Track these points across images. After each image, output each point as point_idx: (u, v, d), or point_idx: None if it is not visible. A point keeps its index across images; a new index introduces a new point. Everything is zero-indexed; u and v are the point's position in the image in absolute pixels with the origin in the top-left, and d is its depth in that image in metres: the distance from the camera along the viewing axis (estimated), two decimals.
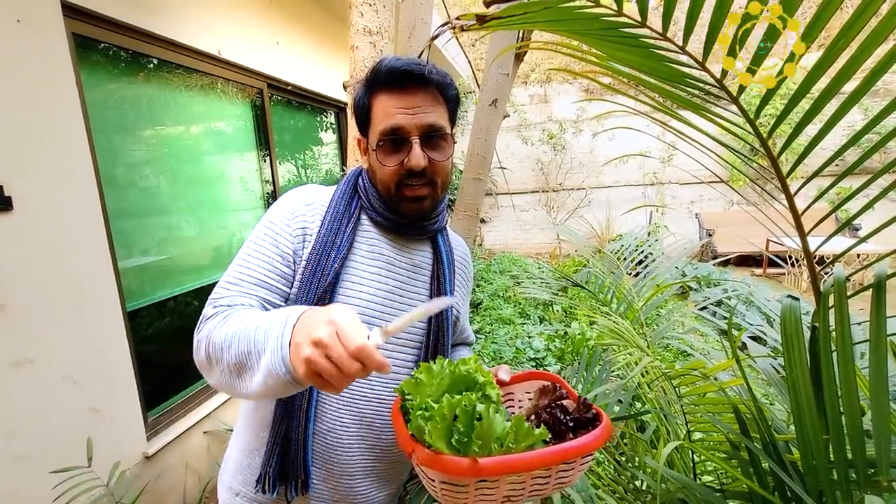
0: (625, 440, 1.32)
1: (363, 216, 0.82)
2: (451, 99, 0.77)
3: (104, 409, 1.65)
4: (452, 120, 0.79)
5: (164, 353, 2.10)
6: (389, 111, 0.72)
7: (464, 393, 0.59)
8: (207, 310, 0.70)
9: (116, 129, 1.89)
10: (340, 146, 4.08)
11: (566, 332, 3.64)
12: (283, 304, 0.75)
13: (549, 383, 0.73)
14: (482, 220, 8.75)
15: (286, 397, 0.73)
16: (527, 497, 0.60)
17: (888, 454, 0.54)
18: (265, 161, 2.93)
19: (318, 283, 0.73)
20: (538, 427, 0.59)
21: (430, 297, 0.84)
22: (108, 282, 1.70)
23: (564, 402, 0.69)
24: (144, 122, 2.06)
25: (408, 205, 0.77)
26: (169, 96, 2.16)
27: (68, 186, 1.54)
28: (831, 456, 0.58)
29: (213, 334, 0.64)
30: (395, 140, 0.73)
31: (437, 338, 0.84)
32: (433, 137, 0.74)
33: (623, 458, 1.21)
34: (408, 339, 0.82)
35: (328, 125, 3.96)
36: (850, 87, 0.63)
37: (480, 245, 8.66)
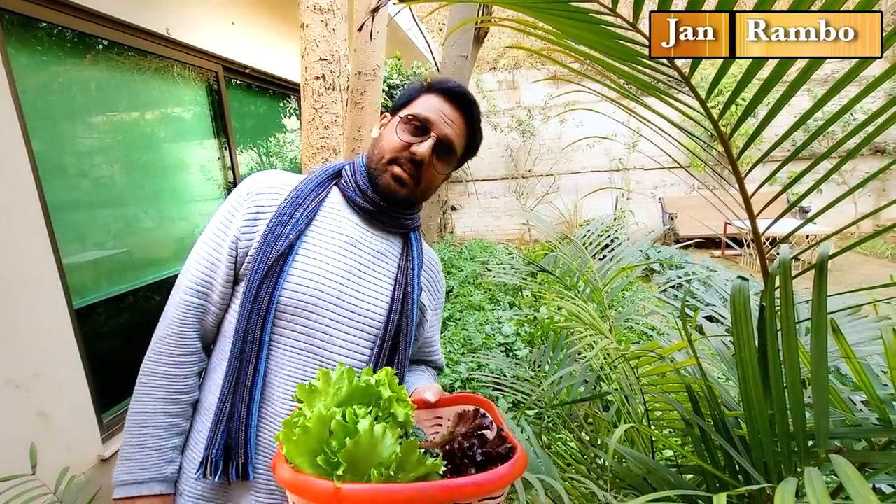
0: (588, 420, 1.35)
1: (336, 195, 0.83)
2: (475, 140, 0.86)
3: (52, 413, 1.56)
4: (461, 160, 0.87)
5: (122, 349, 2.00)
6: (432, 107, 0.79)
7: (352, 406, 0.50)
8: (154, 344, 0.77)
9: (58, 115, 1.75)
10: None
11: (535, 317, 3.70)
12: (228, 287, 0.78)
13: (472, 408, 0.64)
14: (453, 208, 8.74)
15: (233, 374, 0.73)
16: None
17: (826, 426, 0.56)
18: (225, 149, 2.80)
19: (271, 252, 0.73)
20: (442, 457, 0.51)
21: (394, 285, 0.82)
22: (51, 279, 1.59)
23: (486, 431, 0.59)
24: (92, 108, 1.92)
25: (386, 179, 0.79)
26: (117, 80, 2.02)
27: None
28: (776, 430, 0.61)
29: (134, 395, 0.77)
30: (420, 126, 0.78)
31: (399, 327, 0.79)
32: (446, 149, 0.80)
33: (587, 438, 1.24)
34: (364, 323, 0.78)
35: (292, 111, 3.81)
36: (793, 74, 0.64)
37: (451, 232, 8.65)
